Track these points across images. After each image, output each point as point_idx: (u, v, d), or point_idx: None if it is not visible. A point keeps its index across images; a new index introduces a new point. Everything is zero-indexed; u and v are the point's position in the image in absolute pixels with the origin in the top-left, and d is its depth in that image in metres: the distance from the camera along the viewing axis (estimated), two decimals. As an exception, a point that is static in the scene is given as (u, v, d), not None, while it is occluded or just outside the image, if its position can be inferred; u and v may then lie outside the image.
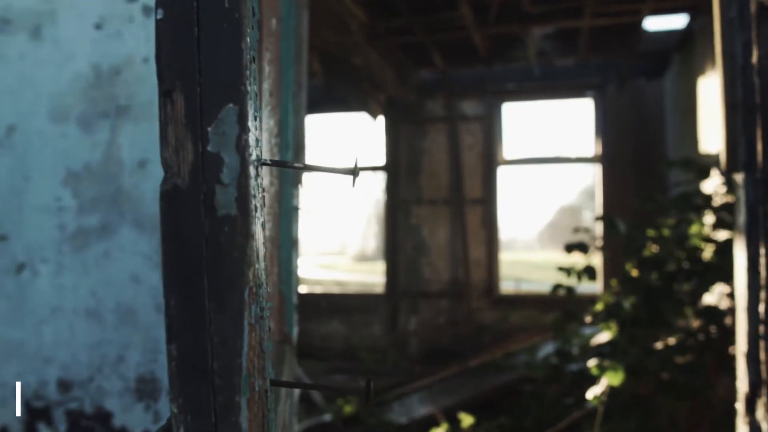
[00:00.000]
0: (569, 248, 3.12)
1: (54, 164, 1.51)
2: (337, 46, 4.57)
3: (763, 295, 1.23)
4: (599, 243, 3.47)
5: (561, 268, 3.15)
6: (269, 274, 1.01)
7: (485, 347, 5.44)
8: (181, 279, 0.41)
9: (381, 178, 6.14)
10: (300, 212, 1.44)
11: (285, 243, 1.25)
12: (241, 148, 0.42)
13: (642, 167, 5.36)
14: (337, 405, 4.00)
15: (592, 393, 2.20)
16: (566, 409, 2.94)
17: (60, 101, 1.51)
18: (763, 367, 1.22)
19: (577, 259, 3.20)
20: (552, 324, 3.24)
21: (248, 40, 0.44)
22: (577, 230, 3.28)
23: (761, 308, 1.23)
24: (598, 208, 5.69)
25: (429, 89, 5.86)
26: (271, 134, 1.00)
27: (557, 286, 3.21)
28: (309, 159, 1.49)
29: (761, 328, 1.23)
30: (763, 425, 1.23)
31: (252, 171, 0.44)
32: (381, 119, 5.94)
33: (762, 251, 1.23)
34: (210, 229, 0.41)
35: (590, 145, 5.78)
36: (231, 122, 0.41)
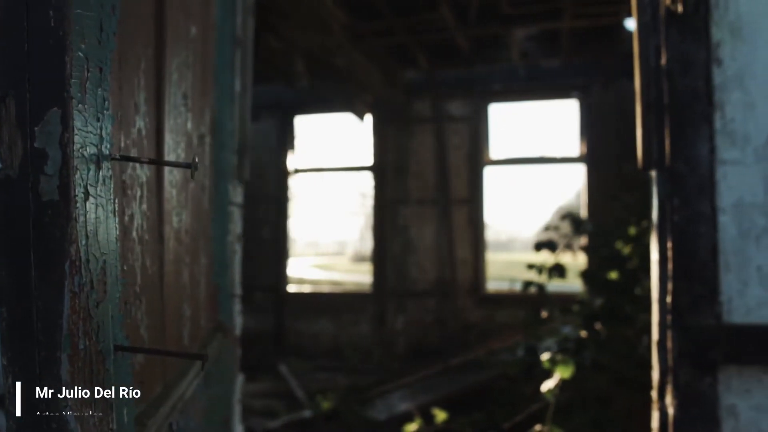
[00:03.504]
0: (538, 247, 3.19)
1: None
2: (321, 48, 4.66)
3: (670, 286, 1.29)
4: (582, 242, 3.54)
5: (531, 266, 3.22)
6: (190, 265, 1.09)
7: (471, 346, 5.51)
8: (11, 253, 0.49)
9: (369, 178, 6.22)
10: (240, 209, 1.51)
11: (219, 237, 1.32)
12: (64, 144, 0.49)
13: (626, 166, 5.41)
14: (317, 401, 4.08)
15: (546, 386, 2.26)
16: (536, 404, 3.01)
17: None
18: (669, 355, 1.29)
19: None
20: (523, 322, 3.30)
21: (80, 53, 0.52)
22: (547, 228, 3.35)
23: (669, 299, 1.30)
24: (584, 207, 5.75)
25: (415, 90, 5.93)
26: (190, 135, 1.08)
27: (528, 284, 3.28)
28: (248, 160, 1.56)
29: (668, 318, 1.29)
30: (670, 410, 1.29)
31: (82, 164, 0.52)
32: (368, 120, 6.02)
33: (669, 245, 1.30)
34: (36, 212, 0.49)
35: (576, 146, 5.84)
36: (55, 123, 0.49)
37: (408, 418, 3.86)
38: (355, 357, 5.65)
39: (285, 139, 6.31)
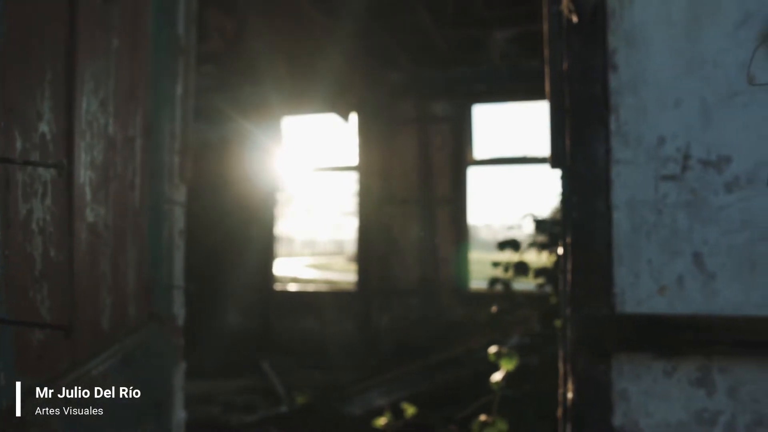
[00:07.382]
0: (501, 246, 3.28)
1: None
2: (303, 49, 4.76)
3: (570, 279, 1.38)
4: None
5: (495, 264, 3.31)
6: (112, 257, 1.19)
7: (453, 343, 5.60)
8: None
9: (354, 178, 6.32)
10: (182, 208, 1.61)
11: (153, 233, 1.43)
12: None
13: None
14: (292, 397, 4.18)
15: (494, 379, 2.36)
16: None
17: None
18: (569, 344, 1.38)
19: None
20: (487, 319, 3.39)
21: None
22: (510, 228, 3.44)
23: (569, 291, 1.39)
24: (566, 207, 5.83)
25: (399, 90, 6.03)
26: (112, 138, 1.18)
27: (494, 281, 3.37)
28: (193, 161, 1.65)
29: (569, 311, 1.39)
30: (570, 395, 1.38)
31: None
32: (353, 120, 6.12)
33: (569, 240, 1.39)
34: None
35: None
36: None
37: (383, 413, 3.96)
38: (339, 355, 5.75)
39: (272, 140, 6.42)
